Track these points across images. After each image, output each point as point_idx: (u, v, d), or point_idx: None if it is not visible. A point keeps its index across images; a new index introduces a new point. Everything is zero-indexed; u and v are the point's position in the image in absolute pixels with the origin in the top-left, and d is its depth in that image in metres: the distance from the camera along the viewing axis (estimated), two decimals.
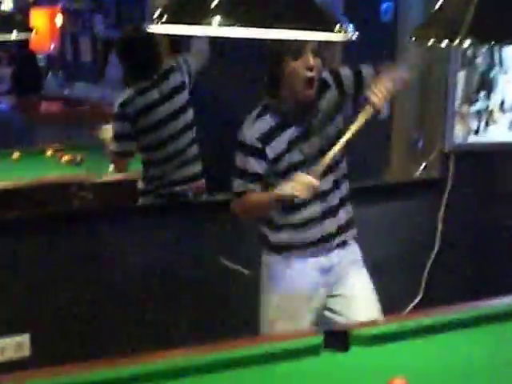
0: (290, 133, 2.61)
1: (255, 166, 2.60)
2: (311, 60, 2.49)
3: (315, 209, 2.65)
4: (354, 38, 1.66)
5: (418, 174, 3.72)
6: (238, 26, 1.52)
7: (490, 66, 4.16)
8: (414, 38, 2.16)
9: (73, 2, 4.13)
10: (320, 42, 2.45)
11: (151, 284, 3.24)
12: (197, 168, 3.40)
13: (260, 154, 2.59)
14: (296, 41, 2.42)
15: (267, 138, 2.59)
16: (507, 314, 2.33)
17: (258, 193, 2.63)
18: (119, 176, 3.47)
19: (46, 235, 3.08)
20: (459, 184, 3.72)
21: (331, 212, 2.68)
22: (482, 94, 4.14)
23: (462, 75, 3.81)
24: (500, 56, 4.17)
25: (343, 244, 2.74)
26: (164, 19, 1.60)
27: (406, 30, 3.49)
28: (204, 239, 3.31)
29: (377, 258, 3.18)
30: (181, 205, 3.38)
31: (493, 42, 2.56)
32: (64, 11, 4.19)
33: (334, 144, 2.56)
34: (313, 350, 2.08)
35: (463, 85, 3.83)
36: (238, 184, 2.63)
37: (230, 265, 3.37)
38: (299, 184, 2.46)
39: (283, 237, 2.71)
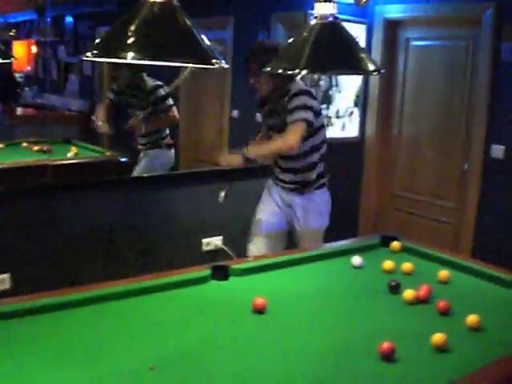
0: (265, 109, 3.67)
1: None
2: (250, 80, 3.51)
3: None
4: (225, 67, 2.02)
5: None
6: (145, 59, 1.90)
7: (329, 86, 4.67)
8: (269, 68, 2.57)
9: (43, 36, 4.74)
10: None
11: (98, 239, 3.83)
12: None
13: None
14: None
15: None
16: (331, 254, 2.86)
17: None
18: (75, 160, 4.23)
19: (23, 203, 3.58)
20: None
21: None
22: (324, 105, 4.67)
23: None
24: (336, 79, 4.72)
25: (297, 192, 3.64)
26: (95, 52, 1.98)
27: None
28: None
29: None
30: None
31: (322, 72, 3.01)
32: (37, 42, 4.89)
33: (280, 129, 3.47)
34: (202, 280, 2.42)
35: None
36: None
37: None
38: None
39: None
